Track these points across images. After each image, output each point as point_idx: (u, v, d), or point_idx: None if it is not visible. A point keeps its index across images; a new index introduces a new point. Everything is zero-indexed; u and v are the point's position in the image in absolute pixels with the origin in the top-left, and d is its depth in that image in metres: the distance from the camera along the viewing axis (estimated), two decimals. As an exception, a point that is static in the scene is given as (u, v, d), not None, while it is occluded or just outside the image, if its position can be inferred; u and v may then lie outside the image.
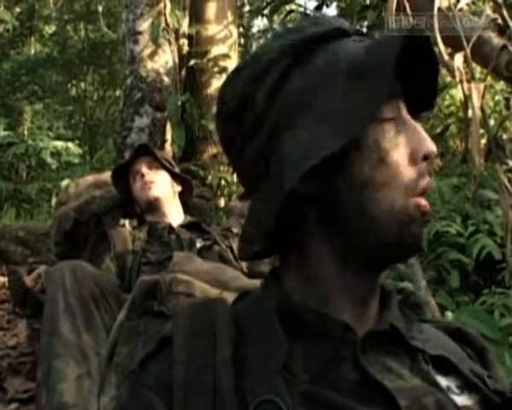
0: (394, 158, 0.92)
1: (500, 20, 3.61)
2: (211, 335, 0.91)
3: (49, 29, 15.20)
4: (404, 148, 0.94)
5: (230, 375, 0.85)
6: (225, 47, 6.59)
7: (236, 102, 1.02)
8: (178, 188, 3.53)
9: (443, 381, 0.93)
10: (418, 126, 0.95)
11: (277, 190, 0.92)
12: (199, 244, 3.15)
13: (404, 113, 0.97)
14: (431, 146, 0.94)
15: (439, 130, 6.40)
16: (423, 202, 0.93)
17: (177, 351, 0.90)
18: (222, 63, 6.43)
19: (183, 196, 3.55)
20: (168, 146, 6.08)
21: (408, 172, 0.93)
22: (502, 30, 3.60)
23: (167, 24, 6.23)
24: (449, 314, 3.26)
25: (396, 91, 0.96)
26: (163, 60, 6.21)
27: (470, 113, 3.26)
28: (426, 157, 0.93)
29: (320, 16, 1.06)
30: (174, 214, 3.40)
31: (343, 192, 0.93)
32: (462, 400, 0.90)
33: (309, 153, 0.90)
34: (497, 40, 3.57)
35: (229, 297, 1.11)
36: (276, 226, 0.96)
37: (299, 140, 0.93)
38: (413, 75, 0.99)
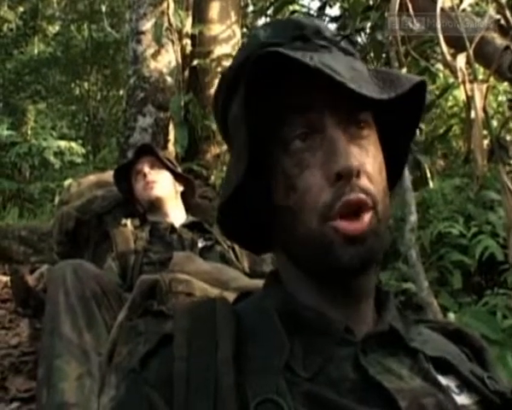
0: (303, 183, 0.91)
1: (503, 21, 3.61)
2: (212, 333, 0.90)
3: (53, 29, 15.18)
4: (316, 169, 0.90)
5: (232, 373, 0.85)
6: (228, 47, 6.60)
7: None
8: (181, 188, 3.52)
9: (442, 380, 0.92)
10: (338, 141, 0.90)
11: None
12: (200, 244, 3.15)
13: (328, 127, 0.91)
14: (344, 163, 0.88)
15: (441, 131, 6.39)
16: (344, 224, 0.88)
17: (178, 348, 0.90)
18: (225, 63, 6.43)
19: (185, 196, 3.55)
20: (171, 146, 6.09)
21: (322, 196, 0.89)
22: (505, 31, 3.60)
23: (170, 24, 6.25)
24: (451, 315, 3.26)
25: (305, 106, 0.93)
26: (166, 60, 6.22)
27: (473, 113, 3.26)
28: (339, 176, 0.88)
29: (272, 24, 1.04)
30: (176, 214, 3.39)
31: (275, 216, 0.97)
32: (460, 399, 0.90)
33: (224, 189, 0.99)
34: (499, 41, 3.58)
35: (230, 297, 1.11)
36: (261, 229, 1.04)
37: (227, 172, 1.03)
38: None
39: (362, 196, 0.89)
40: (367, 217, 0.89)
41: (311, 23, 1.01)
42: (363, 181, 0.90)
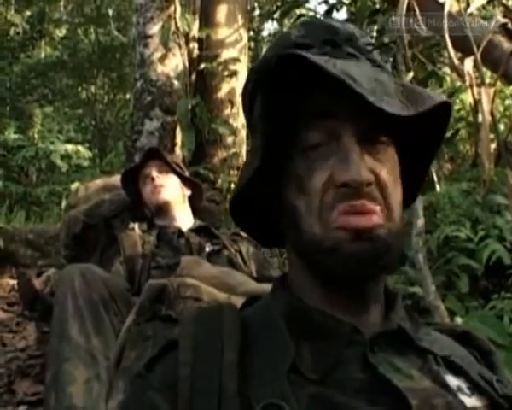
0: (311, 185, 0.91)
1: (510, 25, 3.61)
2: (217, 338, 0.91)
3: (60, 32, 15.21)
4: (325, 174, 0.91)
5: (235, 379, 0.85)
6: (235, 51, 6.60)
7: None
8: (188, 192, 3.52)
9: (454, 381, 0.92)
10: (351, 151, 0.90)
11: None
12: (208, 249, 3.15)
13: (344, 136, 0.92)
14: (353, 175, 0.88)
15: (448, 134, 6.38)
16: (347, 219, 0.89)
17: (183, 353, 0.90)
18: (232, 67, 6.45)
19: (192, 200, 3.55)
20: (178, 150, 6.09)
21: (326, 197, 0.90)
22: (512, 34, 3.60)
23: (177, 27, 6.25)
24: (458, 319, 3.26)
25: (327, 114, 0.94)
26: (173, 63, 6.23)
27: (480, 117, 3.26)
28: (347, 185, 0.88)
29: (305, 24, 1.04)
30: (184, 218, 3.40)
31: (285, 214, 0.98)
32: (471, 401, 0.89)
33: (237, 182, 1.02)
34: (507, 45, 3.57)
35: (237, 301, 1.11)
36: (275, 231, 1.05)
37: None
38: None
39: (367, 202, 0.89)
40: (375, 217, 0.89)
41: (344, 29, 1.01)
42: (372, 189, 0.90)
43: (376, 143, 0.95)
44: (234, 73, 6.41)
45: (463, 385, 0.92)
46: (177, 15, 6.26)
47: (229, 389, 0.84)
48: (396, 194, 0.94)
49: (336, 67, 0.87)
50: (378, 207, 0.90)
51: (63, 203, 7.46)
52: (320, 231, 0.90)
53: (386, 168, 0.94)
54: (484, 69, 3.62)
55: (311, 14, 7.83)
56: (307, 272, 0.98)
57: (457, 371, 0.94)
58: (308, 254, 0.95)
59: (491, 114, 3.25)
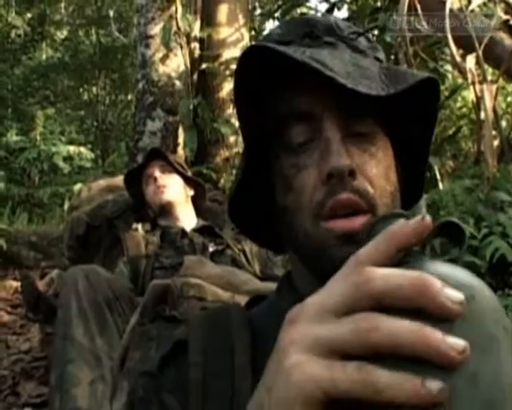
0: (299, 183, 0.90)
1: (511, 22, 3.60)
2: (228, 339, 0.90)
3: (61, 34, 15.21)
4: (312, 170, 0.89)
5: (249, 379, 0.84)
6: (237, 50, 6.59)
7: None
8: (191, 192, 3.52)
9: None
10: (331, 141, 0.88)
11: None
12: (211, 248, 3.15)
13: (325, 130, 0.90)
14: (334, 163, 0.86)
15: (451, 132, 6.38)
16: (336, 223, 0.87)
17: (194, 354, 0.89)
18: (233, 66, 6.43)
19: (195, 200, 3.55)
20: (180, 150, 6.09)
21: (315, 195, 0.88)
22: (513, 31, 3.59)
23: (179, 28, 6.25)
24: (462, 317, 3.24)
25: (307, 106, 0.92)
26: (175, 63, 6.23)
27: (483, 114, 3.25)
28: (331, 175, 0.86)
29: (286, 22, 1.04)
30: (187, 218, 3.40)
31: (278, 215, 0.97)
32: None
33: (231, 188, 1.04)
34: (508, 41, 3.57)
35: (241, 300, 1.11)
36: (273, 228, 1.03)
37: None
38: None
39: (353, 196, 0.87)
40: (362, 219, 0.87)
41: (323, 20, 1.00)
42: (359, 182, 0.88)
43: (362, 131, 0.92)
44: (235, 73, 6.41)
45: None
46: (179, 15, 6.26)
47: (242, 390, 0.83)
48: (387, 184, 0.92)
49: (305, 54, 0.86)
50: (364, 201, 0.88)
51: (66, 205, 7.46)
52: (311, 227, 0.89)
53: (374, 159, 0.92)
54: (486, 66, 3.62)
55: (312, 12, 7.82)
56: (307, 271, 0.96)
57: None
58: (301, 252, 0.95)
59: (494, 110, 3.25)
